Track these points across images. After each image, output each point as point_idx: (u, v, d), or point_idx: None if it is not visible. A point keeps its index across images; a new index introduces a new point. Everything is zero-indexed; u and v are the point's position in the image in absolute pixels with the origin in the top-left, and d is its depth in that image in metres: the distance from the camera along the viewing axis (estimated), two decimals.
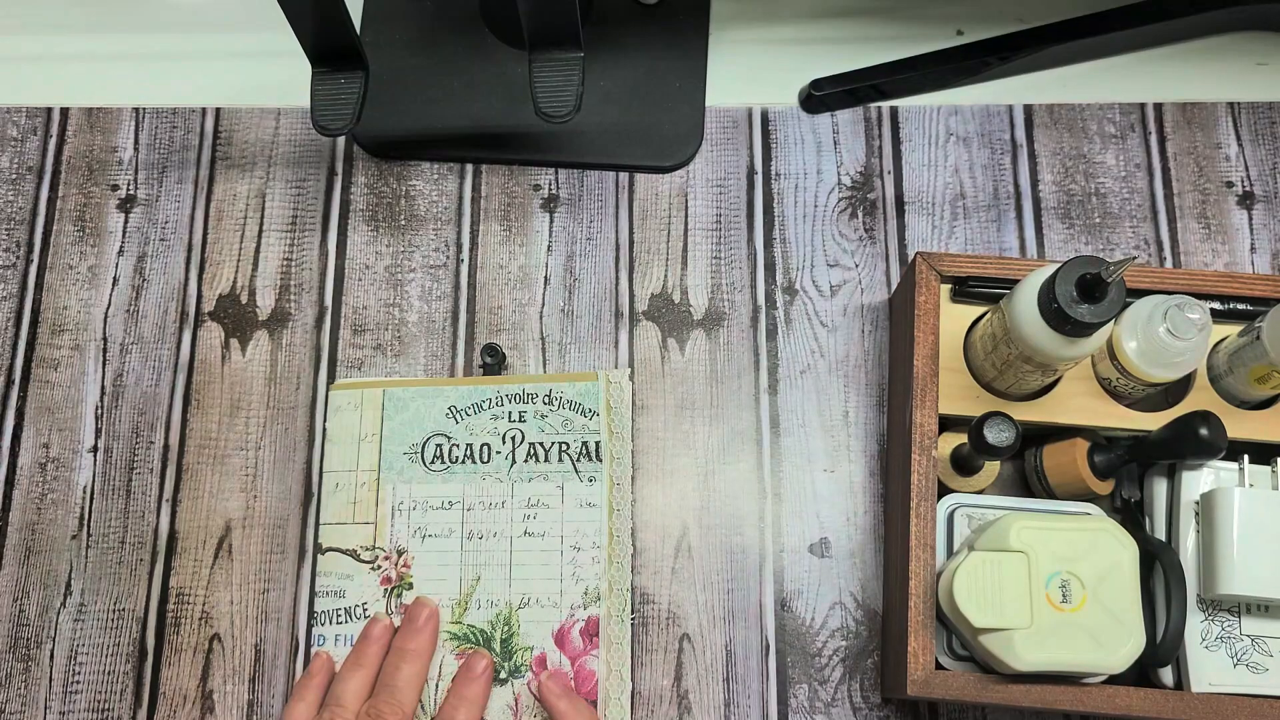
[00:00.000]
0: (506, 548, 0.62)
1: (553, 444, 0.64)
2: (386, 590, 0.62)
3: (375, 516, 0.63)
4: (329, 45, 0.62)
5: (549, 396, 0.65)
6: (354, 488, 0.64)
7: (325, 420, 0.66)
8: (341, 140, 0.73)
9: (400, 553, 0.63)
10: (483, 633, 0.61)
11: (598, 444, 0.64)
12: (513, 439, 0.64)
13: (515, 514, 0.63)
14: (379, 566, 0.62)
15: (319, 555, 0.63)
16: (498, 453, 0.64)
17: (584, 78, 0.63)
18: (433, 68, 0.74)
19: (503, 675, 0.60)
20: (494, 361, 0.67)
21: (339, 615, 0.62)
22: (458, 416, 0.65)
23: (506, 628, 0.61)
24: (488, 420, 0.65)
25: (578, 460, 0.64)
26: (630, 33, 0.74)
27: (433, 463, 0.64)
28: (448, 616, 0.61)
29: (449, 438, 0.64)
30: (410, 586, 0.62)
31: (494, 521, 0.63)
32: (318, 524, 0.65)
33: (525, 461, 0.64)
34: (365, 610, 0.62)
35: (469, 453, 0.64)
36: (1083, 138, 0.73)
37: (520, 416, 0.64)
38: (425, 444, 0.64)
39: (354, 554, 0.63)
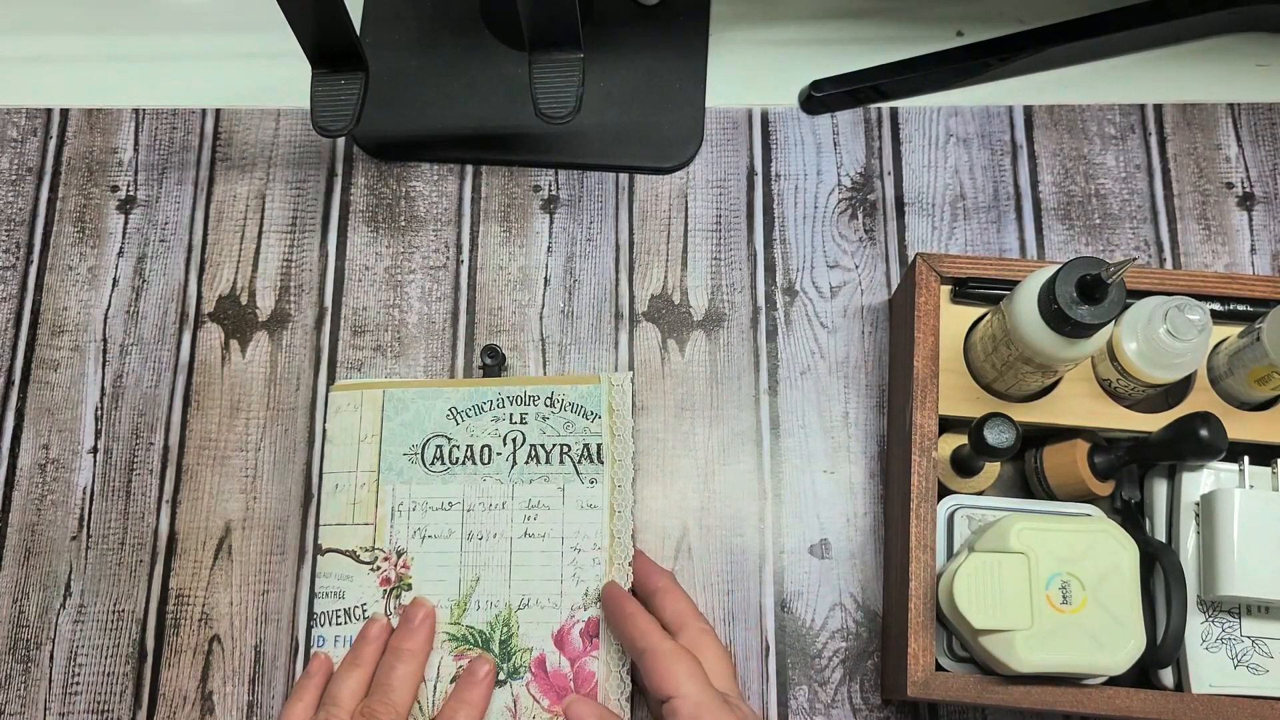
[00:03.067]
0: (506, 549, 0.62)
1: (554, 446, 0.64)
2: (386, 591, 0.62)
3: (375, 517, 0.63)
4: (329, 46, 0.62)
5: (550, 399, 0.64)
6: (353, 489, 0.64)
7: (325, 421, 0.66)
8: (341, 141, 0.73)
9: (399, 553, 0.62)
10: (481, 634, 0.61)
11: (599, 446, 0.63)
12: (513, 440, 0.64)
13: (515, 515, 0.63)
14: (378, 567, 0.62)
15: (319, 556, 0.63)
16: (498, 454, 0.64)
17: (584, 79, 0.63)
18: (433, 69, 0.74)
19: (501, 677, 0.60)
20: (494, 363, 0.66)
21: (338, 616, 0.61)
22: (458, 418, 0.64)
23: (506, 629, 0.61)
24: (489, 422, 0.64)
25: (579, 462, 0.63)
26: (630, 34, 0.74)
27: (433, 464, 0.64)
28: (446, 618, 0.61)
29: (449, 439, 0.64)
30: (409, 587, 0.62)
31: (494, 523, 0.63)
32: (317, 525, 0.65)
33: (526, 463, 0.63)
34: (364, 611, 0.61)
35: (469, 454, 0.64)
36: (1083, 139, 0.73)
37: (521, 418, 0.64)
38: (425, 445, 0.64)
39: (353, 555, 0.62)
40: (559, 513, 0.63)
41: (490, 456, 0.64)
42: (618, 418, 0.64)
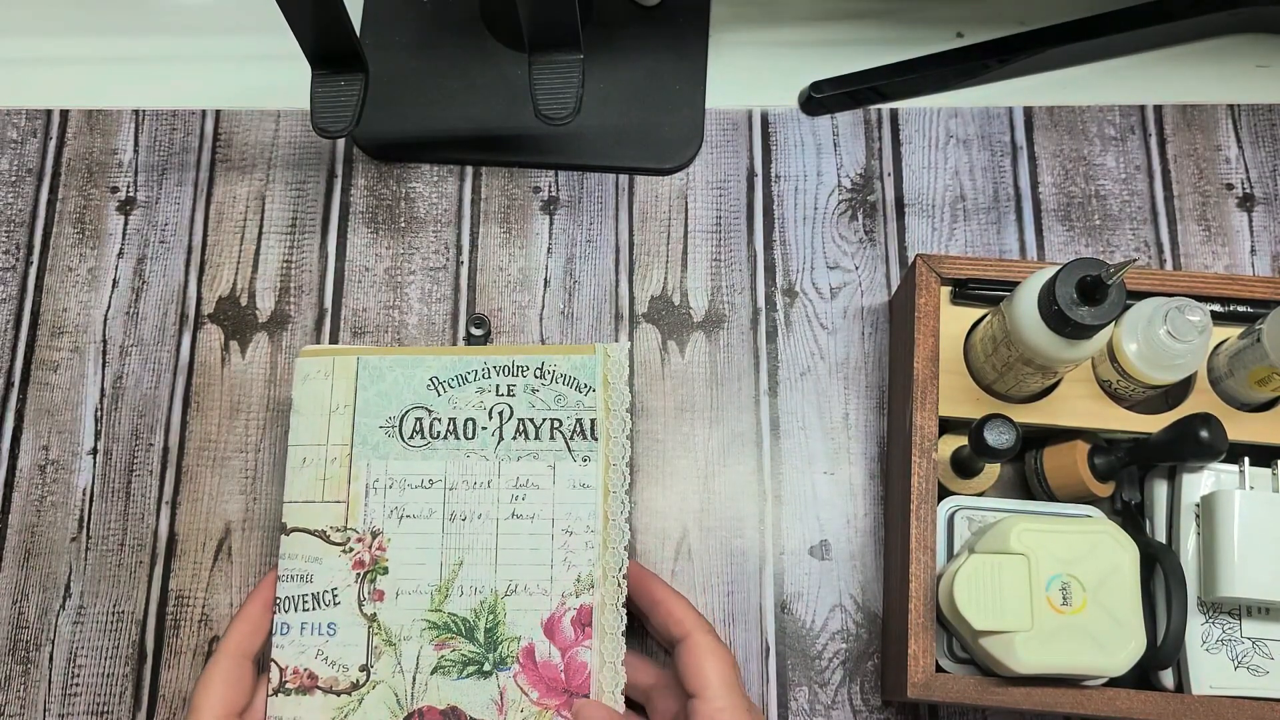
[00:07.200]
0: (492, 530, 0.58)
1: (544, 421, 0.59)
2: (359, 575, 0.58)
3: (347, 495, 0.58)
4: (329, 48, 0.62)
5: (541, 370, 0.60)
6: (323, 463, 0.59)
7: (291, 390, 0.62)
8: (341, 143, 0.73)
9: (375, 534, 0.58)
10: (465, 621, 0.57)
11: (593, 421, 0.59)
12: (500, 414, 0.60)
13: (502, 494, 0.59)
14: (351, 549, 0.58)
15: (283, 536, 0.58)
16: (483, 429, 0.60)
17: (584, 80, 0.63)
18: (433, 70, 0.74)
19: (487, 668, 0.57)
20: (480, 334, 0.66)
21: (305, 601, 0.57)
22: (440, 389, 0.60)
23: (491, 616, 0.57)
24: (473, 394, 0.60)
25: (571, 438, 0.59)
26: (630, 35, 0.74)
27: (411, 438, 0.59)
28: (426, 604, 0.57)
29: (430, 411, 0.60)
30: (385, 571, 0.58)
31: (479, 502, 0.59)
32: (281, 502, 0.61)
33: (513, 439, 0.59)
34: (335, 596, 0.58)
35: (452, 428, 0.60)
36: (1083, 140, 0.73)
37: (509, 390, 0.60)
38: (403, 417, 0.60)
39: (323, 535, 0.58)
40: (549, 492, 0.59)
41: (475, 431, 0.60)
42: (613, 391, 0.60)
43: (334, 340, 0.69)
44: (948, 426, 0.63)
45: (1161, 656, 0.55)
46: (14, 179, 0.72)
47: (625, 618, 0.57)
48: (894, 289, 0.70)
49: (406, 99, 0.73)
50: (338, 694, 0.57)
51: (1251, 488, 0.58)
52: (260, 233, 0.71)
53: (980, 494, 0.63)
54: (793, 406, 0.68)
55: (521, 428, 0.60)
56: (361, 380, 0.60)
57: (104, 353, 0.69)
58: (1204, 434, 0.54)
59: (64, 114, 0.74)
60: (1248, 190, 0.72)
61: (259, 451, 0.67)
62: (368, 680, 0.57)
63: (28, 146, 0.73)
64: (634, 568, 0.58)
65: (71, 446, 0.67)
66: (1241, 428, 0.59)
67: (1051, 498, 0.61)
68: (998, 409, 0.60)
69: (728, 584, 0.64)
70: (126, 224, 0.72)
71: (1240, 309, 0.62)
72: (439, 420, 0.60)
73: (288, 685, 0.57)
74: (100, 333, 0.69)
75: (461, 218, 0.72)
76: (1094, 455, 0.60)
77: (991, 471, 0.63)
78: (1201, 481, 0.59)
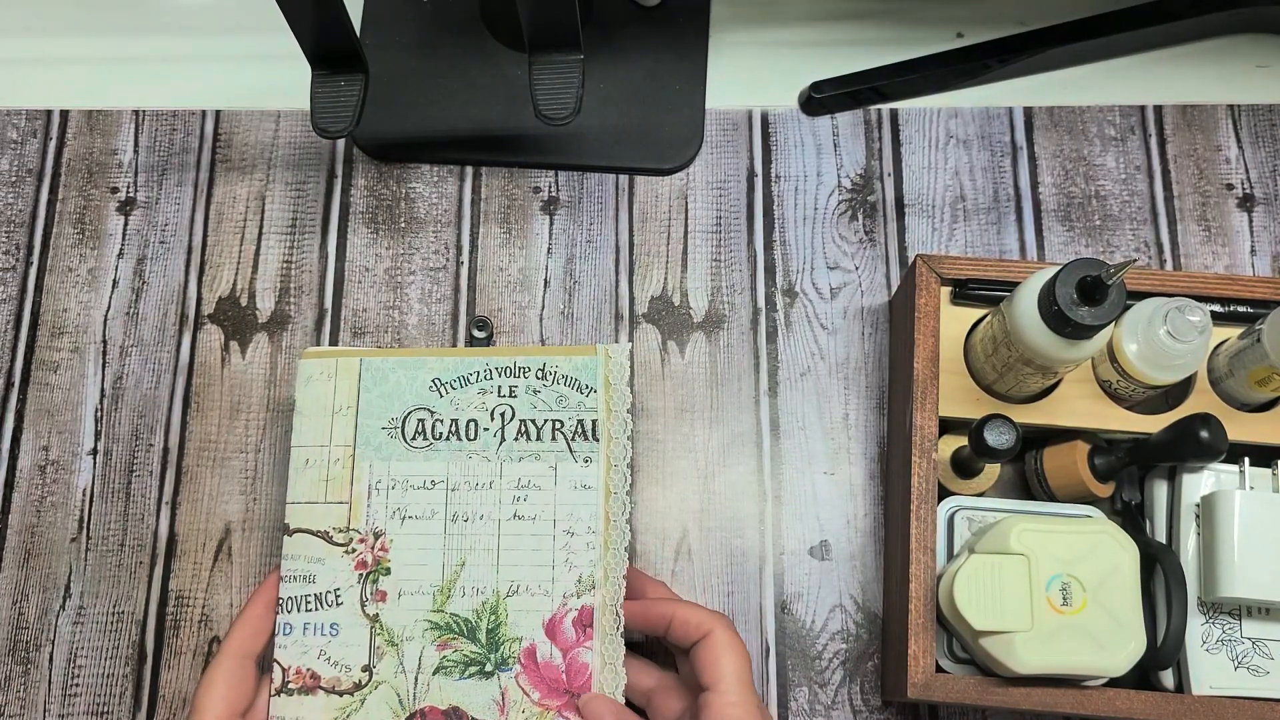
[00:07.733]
0: (494, 531, 0.59)
1: (545, 422, 0.60)
2: (361, 576, 0.58)
3: (350, 496, 0.59)
4: (329, 48, 0.62)
5: (543, 371, 0.61)
6: (326, 464, 0.59)
7: (295, 391, 0.62)
8: (341, 143, 0.73)
9: (377, 535, 0.59)
10: (467, 622, 0.57)
11: (594, 422, 0.60)
12: (502, 415, 0.60)
13: (504, 495, 0.59)
14: (353, 550, 0.58)
15: (285, 537, 0.59)
16: (485, 429, 0.60)
17: (584, 80, 0.63)
18: (433, 70, 0.74)
19: (489, 668, 0.57)
20: (483, 335, 0.66)
21: (308, 602, 0.58)
22: (442, 390, 0.61)
23: (493, 617, 0.58)
24: (475, 395, 0.60)
25: (572, 440, 0.60)
26: (630, 35, 0.74)
27: (414, 439, 0.60)
28: (429, 605, 0.58)
29: (432, 412, 0.60)
30: (388, 571, 0.58)
31: (480, 503, 0.59)
32: (284, 503, 0.61)
33: (515, 440, 0.60)
34: (338, 597, 0.58)
35: (454, 429, 0.60)
36: (1083, 140, 0.73)
37: (511, 391, 0.60)
38: (406, 418, 0.60)
39: (325, 536, 0.58)
40: (550, 493, 0.59)
41: (477, 432, 0.60)
42: (614, 392, 0.60)
43: (334, 340, 0.69)
44: (948, 426, 0.63)
45: (1161, 657, 0.55)
46: (14, 179, 0.72)
47: (623, 619, 0.57)
48: (894, 289, 0.70)
49: (406, 99, 0.73)
50: (340, 694, 0.57)
51: (1251, 488, 0.58)
52: (260, 233, 0.71)
53: (980, 494, 0.63)
54: (793, 407, 0.68)
55: (523, 429, 0.60)
56: (364, 381, 0.61)
57: (104, 353, 0.69)
58: (1204, 434, 0.54)
59: (64, 114, 0.74)
60: (1248, 190, 0.72)
61: (259, 452, 0.67)
62: (370, 680, 0.57)
63: (28, 147, 0.73)
64: (629, 604, 0.57)
65: (71, 447, 0.67)
66: (1241, 428, 0.59)
67: (1051, 498, 0.61)
68: (998, 409, 0.60)
69: (728, 584, 0.64)
70: (126, 224, 0.72)
71: (1240, 309, 0.62)
72: (441, 421, 0.60)
73: (290, 685, 0.57)
74: (100, 333, 0.69)
75: (461, 218, 0.72)
76: (1094, 455, 0.60)
77: (991, 471, 0.63)
78: (1201, 481, 0.59)
